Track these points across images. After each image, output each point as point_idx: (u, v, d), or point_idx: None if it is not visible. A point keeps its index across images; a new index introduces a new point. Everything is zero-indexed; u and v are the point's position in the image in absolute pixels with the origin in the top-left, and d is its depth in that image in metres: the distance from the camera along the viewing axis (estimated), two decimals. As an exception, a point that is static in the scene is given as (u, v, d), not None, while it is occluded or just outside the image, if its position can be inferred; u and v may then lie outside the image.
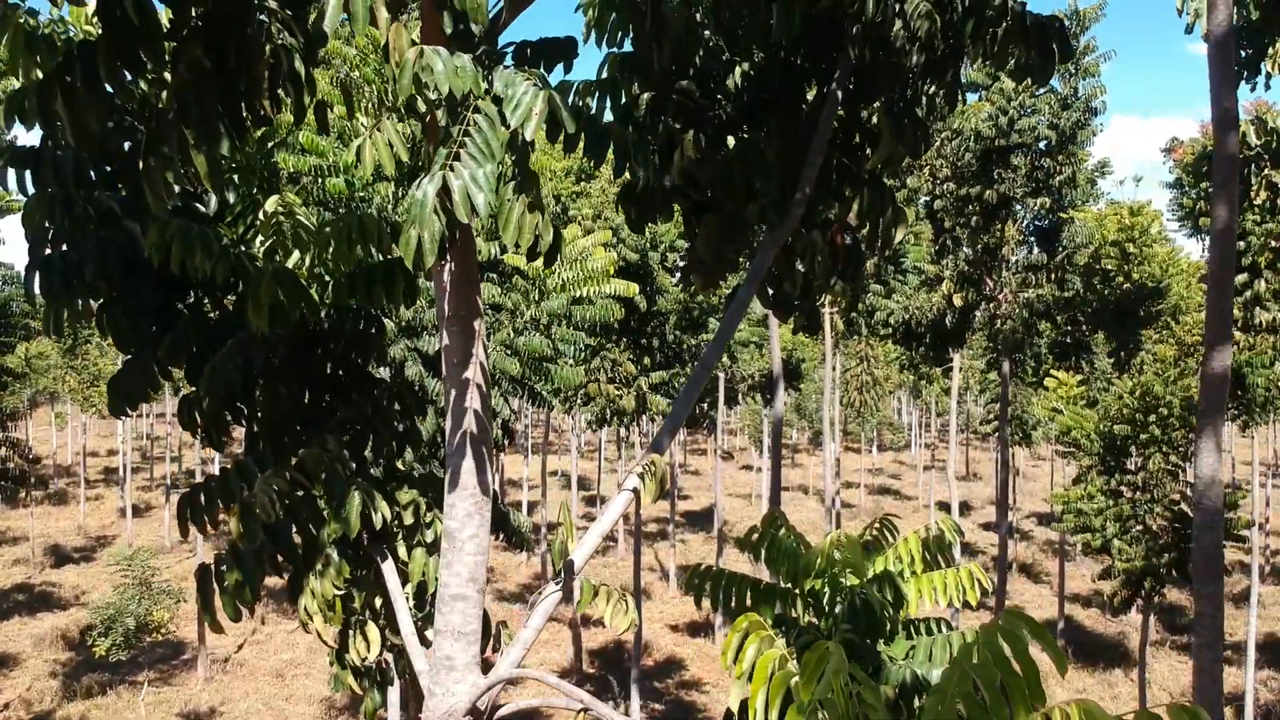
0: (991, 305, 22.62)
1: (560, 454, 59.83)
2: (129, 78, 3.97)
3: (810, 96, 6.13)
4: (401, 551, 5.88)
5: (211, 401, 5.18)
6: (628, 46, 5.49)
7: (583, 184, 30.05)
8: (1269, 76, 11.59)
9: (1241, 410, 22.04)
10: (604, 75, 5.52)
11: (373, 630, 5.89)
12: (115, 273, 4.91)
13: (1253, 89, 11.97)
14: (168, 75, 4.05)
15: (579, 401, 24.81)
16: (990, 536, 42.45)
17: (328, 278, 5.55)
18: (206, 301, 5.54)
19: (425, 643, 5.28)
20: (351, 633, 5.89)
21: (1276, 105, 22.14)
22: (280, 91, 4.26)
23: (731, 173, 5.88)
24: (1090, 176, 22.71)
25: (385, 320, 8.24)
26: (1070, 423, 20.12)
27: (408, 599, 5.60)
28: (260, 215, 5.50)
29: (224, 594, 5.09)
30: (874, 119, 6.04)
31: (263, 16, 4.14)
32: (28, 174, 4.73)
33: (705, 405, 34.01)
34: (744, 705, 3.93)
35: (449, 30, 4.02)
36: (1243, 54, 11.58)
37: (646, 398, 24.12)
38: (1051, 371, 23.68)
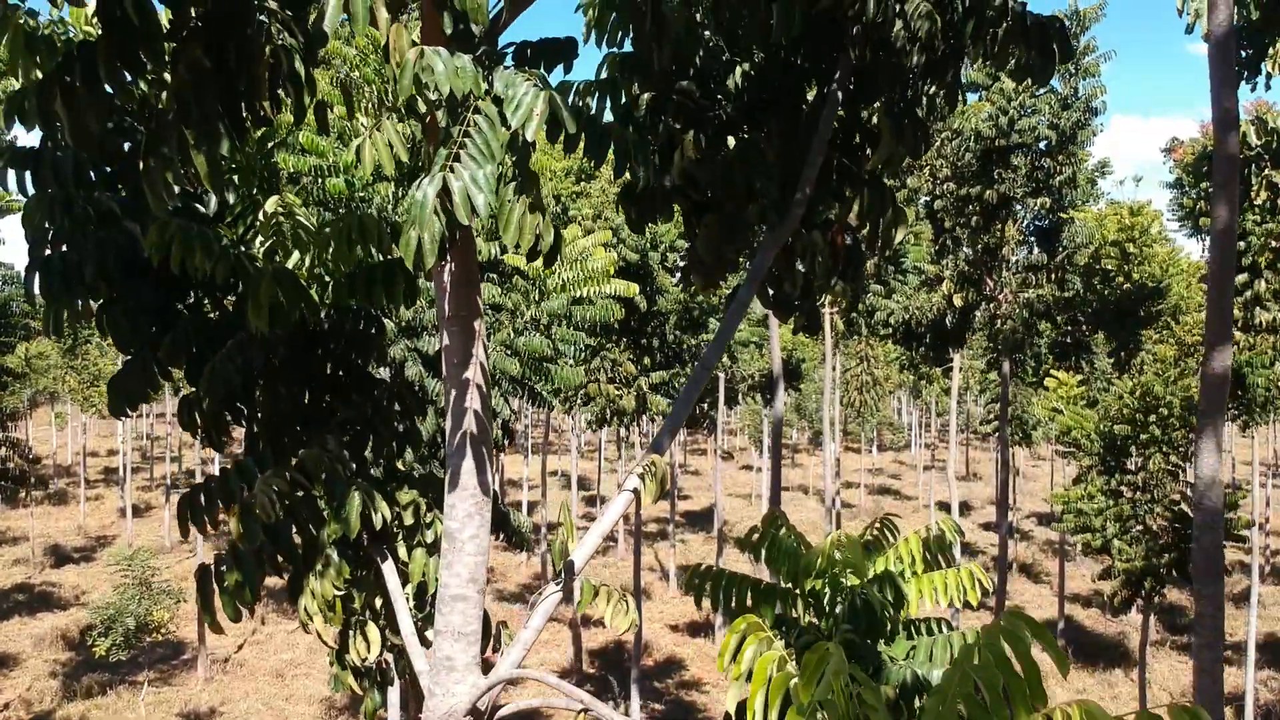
0: (991, 305, 22.61)
1: (560, 454, 59.83)
2: (129, 78, 3.97)
3: (810, 97, 6.13)
4: (401, 552, 5.88)
5: (211, 402, 5.18)
6: (628, 46, 5.49)
7: (583, 184, 30.04)
8: (1269, 76, 11.59)
9: (1242, 410, 22.03)
10: (604, 75, 5.53)
11: (373, 630, 5.90)
12: (115, 273, 4.91)
13: (1253, 89, 11.98)
14: (168, 76, 4.05)
15: (579, 401, 24.80)
16: (990, 536, 42.45)
17: (328, 278, 5.55)
18: (206, 302, 5.54)
19: (425, 643, 5.28)
20: (351, 633, 5.89)
21: (1277, 105, 22.15)
22: (280, 92, 4.26)
23: (731, 173, 5.88)
24: (1090, 176, 22.71)
25: (385, 320, 8.24)
26: (1070, 423, 20.12)
27: (408, 599, 5.61)
28: (260, 215, 5.50)
29: (224, 594, 5.09)
30: (874, 119, 6.04)
31: (263, 17, 4.14)
32: (28, 174, 4.73)
33: (705, 405, 34.01)
34: (741, 707, 3.92)
35: (449, 30, 4.01)
36: (1243, 54, 11.58)
37: (646, 398, 24.12)
38: (1051, 371, 23.68)
